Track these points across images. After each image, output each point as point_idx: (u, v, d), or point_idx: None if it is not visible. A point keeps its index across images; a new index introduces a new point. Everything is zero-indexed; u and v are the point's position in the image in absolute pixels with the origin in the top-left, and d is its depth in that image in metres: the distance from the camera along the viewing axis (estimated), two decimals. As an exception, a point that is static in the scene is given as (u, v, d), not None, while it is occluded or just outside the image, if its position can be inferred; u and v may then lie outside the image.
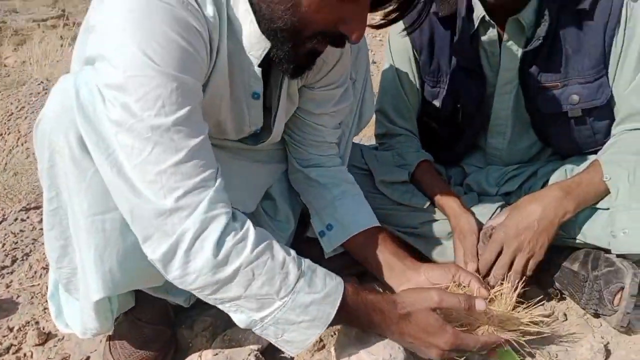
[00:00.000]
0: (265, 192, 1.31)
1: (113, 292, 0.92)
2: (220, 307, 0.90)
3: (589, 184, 1.19)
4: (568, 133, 1.36)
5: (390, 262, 1.16)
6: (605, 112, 1.32)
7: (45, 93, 3.09)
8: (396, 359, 1.01)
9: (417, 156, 1.41)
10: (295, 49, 0.88)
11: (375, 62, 3.76)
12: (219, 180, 0.86)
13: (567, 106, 1.31)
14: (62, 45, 4.82)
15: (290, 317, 0.88)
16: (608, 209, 1.18)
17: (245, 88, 1.01)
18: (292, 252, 0.92)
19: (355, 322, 0.97)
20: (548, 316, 1.08)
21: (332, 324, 0.92)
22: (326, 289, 0.91)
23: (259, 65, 0.95)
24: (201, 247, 0.82)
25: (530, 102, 1.35)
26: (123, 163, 0.81)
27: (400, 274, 1.14)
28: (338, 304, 0.91)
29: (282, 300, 0.87)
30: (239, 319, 0.90)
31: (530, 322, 1.05)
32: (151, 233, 0.83)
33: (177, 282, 0.85)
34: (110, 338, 1.16)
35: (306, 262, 0.93)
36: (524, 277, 1.16)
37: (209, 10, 0.85)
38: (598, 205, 1.20)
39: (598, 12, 1.23)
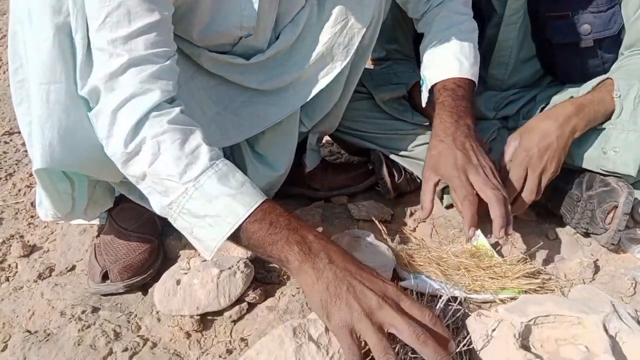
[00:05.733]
0: None
1: (51, 166, 0.87)
2: (140, 189, 0.87)
3: (600, 102, 1.14)
4: (576, 63, 1.32)
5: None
6: (616, 42, 1.27)
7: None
8: (386, 266, 1.00)
9: (412, 76, 1.37)
10: None
11: None
12: (170, 61, 0.85)
13: (578, 37, 1.26)
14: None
15: (194, 207, 0.80)
16: (604, 128, 1.16)
17: None
18: (220, 151, 0.85)
19: (267, 241, 0.79)
20: (533, 273, 1.06)
21: (239, 240, 0.82)
22: (242, 188, 0.81)
23: None
24: (127, 113, 0.81)
25: (538, 32, 1.31)
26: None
27: None
28: (253, 207, 0.80)
29: (184, 185, 0.80)
30: (153, 202, 0.85)
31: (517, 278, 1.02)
32: (92, 95, 0.83)
33: (104, 144, 0.84)
34: (96, 246, 1.14)
35: (227, 162, 0.84)
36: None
37: None
38: (598, 126, 1.18)
39: None
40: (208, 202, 0.79)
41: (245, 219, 0.79)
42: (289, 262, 0.78)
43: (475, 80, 1.15)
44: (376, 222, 1.17)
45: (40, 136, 0.84)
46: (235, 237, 0.81)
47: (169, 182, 0.80)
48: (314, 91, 1.13)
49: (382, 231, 1.12)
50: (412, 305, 0.76)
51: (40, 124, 0.84)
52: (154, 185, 0.82)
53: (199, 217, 0.80)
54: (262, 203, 0.81)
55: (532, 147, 1.11)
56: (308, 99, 1.14)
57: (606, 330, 0.79)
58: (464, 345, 0.82)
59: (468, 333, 0.84)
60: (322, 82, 1.13)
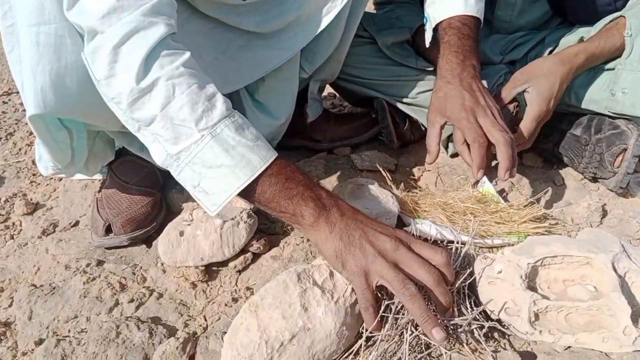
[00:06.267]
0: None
1: (45, 112, 0.84)
2: (140, 137, 0.80)
3: (610, 48, 1.11)
4: (587, 2, 1.25)
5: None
6: None
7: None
8: (390, 212, 0.99)
9: (416, 20, 1.32)
10: None
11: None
12: None
13: None
14: None
15: (208, 156, 0.75)
16: (613, 69, 1.13)
17: None
18: (229, 101, 0.80)
19: (282, 196, 0.78)
20: (540, 218, 1.04)
21: (250, 193, 0.78)
22: (257, 142, 0.78)
23: None
24: (132, 49, 0.74)
25: None
26: None
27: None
28: (270, 160, 0.78)
29: (200, 132, 0.75)
30: (156, 152, 0.79)
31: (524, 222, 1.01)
32: (90, 31, 0.76)
33: (104, 86, 0.77)
34: (98, 200, 1.14)
35: (241, 115, 0.80)
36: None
37: None
38: (605, 67, 1.15)
39: None
40: (225, 152, 0.75)
41: (263, 172, 0.77)
42: (304, 217, 0.77)
43: (481, 17, 1.11)
44: (380, 168, 1.15)
45: (31, 81, 0.81)
46: (247, 191, 0.77)
47: (183, 128, 0.75)
48: (314, 32, 1.08)
49: (387, 178, 1.11)
50: (423, 246, 0.76)
51: (31, 68, 0.80)
52: (163, 132, 0.76)
53: (212, 167, 0.76)
54: (277, 158, 0.80)
55: (550, 99, 1.09)
56: (308, 41, 1.10)
57: (615, 270, 0.78)
58: (469, 287, 0.82)
59: (473, 275, 0.84)
60: (323, 22, 1.07)
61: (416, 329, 0.76)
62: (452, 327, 0.77)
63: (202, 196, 0.78)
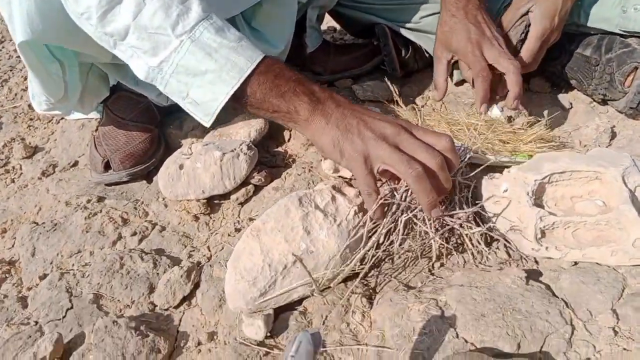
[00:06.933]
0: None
1: (33, 38, 0.80)
2: (117, 54, 0.76)
3: None
4: None
5: None
6: None
7: None
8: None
9: None
10: None
11: None
12: None
13: None
14: None
15: (191, 63, 0.71)
16: None
17: None
18: (205, 2, 0.75)
19: (273, 93, 0.74)
20: (547, 139, 1.01)
21: (240, 98, 0.74)
22: (241, 42, 0.73)
23: None
24: None
25: None
26: None
27: None
28: (257, 60, 0.73)
29: (179, 38, 0.71)
30: (137, 66, 0.75)
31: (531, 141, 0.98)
32: None
33: (70, 3, 0.73)
34: (95, 137, 1.11)
35: (220, 17, 0.75)
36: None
37: None
38: None
39: None
40: (207, 56, 0.71)
41: (251, 72, 0.73)
42: (298, 112, 0.74)
43: None
44: (388, 83, 1.14)
45: (17, 7, 0.77)
46: (237, 95, 0.74)
47: (159, 37, 0.71)
48: None
49: (394, 92, 1.09)
50: (426, 131, 0.73)
51: None
52: (140, 43, 0.72)
53: (197, 74, 0.72)
54: (265, 57, 0.75)
55: (554, 16, 1.04)
56: None
57: (625, 184, 0.76)
58: (474, 206, 0.80)
59: (478, 193, 0.82)
60: None
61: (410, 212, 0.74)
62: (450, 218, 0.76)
63: (193, 107, 0.76)
